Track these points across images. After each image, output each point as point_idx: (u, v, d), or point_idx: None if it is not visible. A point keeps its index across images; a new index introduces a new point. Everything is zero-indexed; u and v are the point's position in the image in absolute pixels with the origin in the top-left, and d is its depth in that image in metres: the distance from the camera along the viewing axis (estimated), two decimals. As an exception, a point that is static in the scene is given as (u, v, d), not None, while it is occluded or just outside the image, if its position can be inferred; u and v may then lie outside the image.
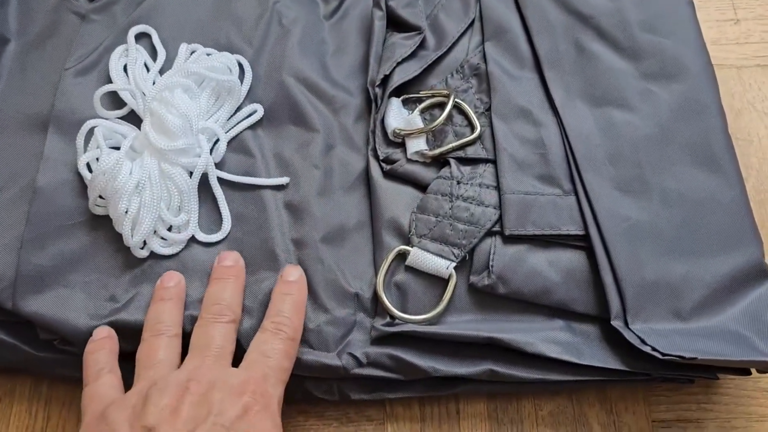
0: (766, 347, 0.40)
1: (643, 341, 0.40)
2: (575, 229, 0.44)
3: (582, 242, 0.44)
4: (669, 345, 0.39)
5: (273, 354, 0.39)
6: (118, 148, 0.44)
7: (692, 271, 0.43)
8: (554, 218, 0.44)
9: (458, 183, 0.45)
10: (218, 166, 0.46)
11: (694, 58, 0.49)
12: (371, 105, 0.49)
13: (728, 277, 0.43)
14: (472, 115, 0.48)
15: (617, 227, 0.43)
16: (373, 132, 0.48)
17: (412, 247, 0.44)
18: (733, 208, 0.44)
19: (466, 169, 0.46)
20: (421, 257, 0.44)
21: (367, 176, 0.47)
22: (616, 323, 0.41)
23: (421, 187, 0.46)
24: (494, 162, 0.46)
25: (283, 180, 0.46)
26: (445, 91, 0.48)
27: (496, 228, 0.44)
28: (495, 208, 0.44)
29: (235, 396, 0.36)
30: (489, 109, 0.48)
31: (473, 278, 0.43)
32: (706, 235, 0.44)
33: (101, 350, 0.40)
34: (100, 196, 0.43)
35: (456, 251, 0.44)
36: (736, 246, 0.43)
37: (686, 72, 0.48)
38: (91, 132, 0.45)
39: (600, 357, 0.41)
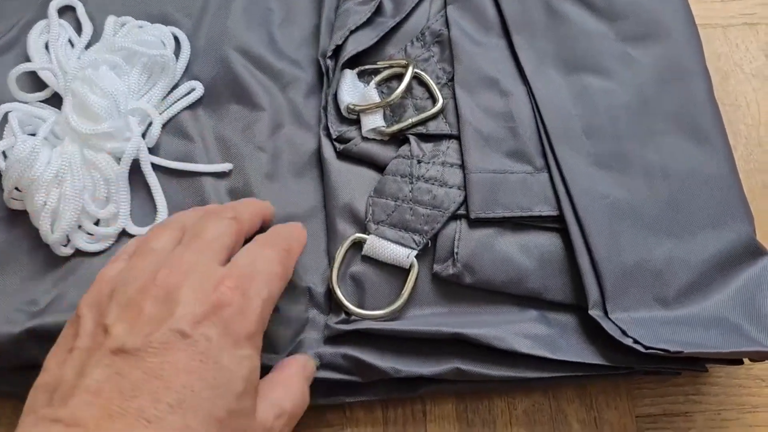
0: (759, 335, 0.36)
1: (624, 333, 0.36)
2: (549, 210, 0.40)
3: (556, 224, 0.40)
4: (652, 336, 0.35)
5: (261, 257, 0.32)
6: (37, 135, 0.39)
7: (677, 253, 0.39)
8: (525, 198, 0.40)
9: (419, 162, 0.41)
10: (152, 151, 0.41)
11: (675, 17, 0.45)
12: (323, 79, 0.44)
13: (716, 257, 0.39)
14: (434, 86, 0.43)
15: (594, 206, 0.39)
16: (325, 108, 0.43)
17: (368, 234, 0.40)
18: (720, 182, 0.40)
19: (428, 147, 0.42)
20: (379, 246, 0.39)
21: (319, 158, 0.43)
22: (595, 313, 0.37)
23: (379, 167, 0.42)
24: (459, 138, 0.42)
25: (226, 166, 0.42)
26: (404, 61, 0.44)
27: (462, 211, 0.40)
28: (460, 188, 0.40)
29: (207, 291, 0.29)
30: (452, 80, 0.43)
31: (437, 267, 0.39)
32: (692, 212, 0.40)
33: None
34: (17, 188, 0.38)
35: (417, 238, 0.39)
36: (725, 223, 0.40)
37: (667, 33, 0.44)
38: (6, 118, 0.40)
39: (577, 351, 0.37)
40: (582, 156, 0.41)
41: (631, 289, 0.38)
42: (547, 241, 0.39)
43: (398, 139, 0.43)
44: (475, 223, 0.39)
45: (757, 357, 0.37)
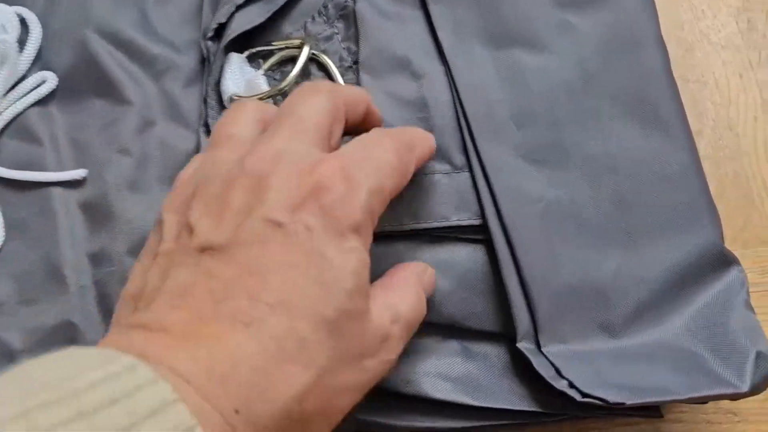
0: (725, 371, 0.29)
1: (558, 372, 0.29)
2: (469, 218, 0.32)
3: (480, 235, 0.32)
4: (592, 377, 0.28)
5: (373, 143, 0.27)
6: None
7: (627, 267, 0.32)
8: (441, 205, 0.32)
9: (313, 163, 0.34)
10: (-13, 158, 0.34)
11: None
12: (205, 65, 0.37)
13: (675, 271, 0.32)
14: (334, 69, 0.36)
15: (525, 212, 0.32)
16: (206, 101, 0.36)
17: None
18: (680, 176, 0.33)
19: (326, 144, 0.34)
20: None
21: (197, 160, 0.35)
22: (524, 346, 0.30)
23: (270, 170, 0.35)
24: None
25: (78, 173, 0.34)
26: (298, 41, 0.36)
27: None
28: (363, 194, 0.33)
29: (303, 174, 0.24)
30: (357, 62, 0.36)
31: None
32: (645, 216, 0.32)
33: None
34: None
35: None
36: (686, 227, 0.32)
37: None
38: None
39: (505, 395, 0.30)
40: (510, 149, 0.33)
41: (569, 314, 0.31)
42: (467, 257, 0.32)
43: (292, 135, 0.35)
44: (381, 236, 0.32)
45: (725, 399, 0.30)
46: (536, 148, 0.34)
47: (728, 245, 0.33)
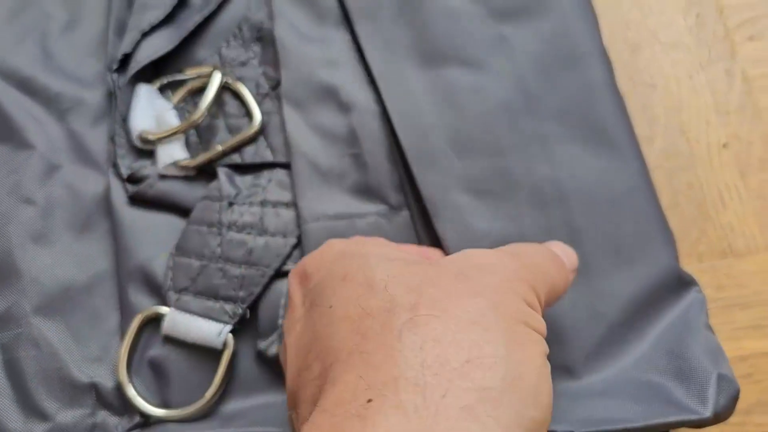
0: (685, 396, 0.27)
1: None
2: (410, 260, 0.30)
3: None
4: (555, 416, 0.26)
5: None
6: None
7: (582, 303, 0.29)
8: None
9: (230, 205, 0.31)
10: None
11: None
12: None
13: (633, 301, 0.30)
14: (249, 98, 0.33)
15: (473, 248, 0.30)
16: (113, 139, 0.33)
17: (169, 307, 0.30)
18: (632, 198, 0.31)
19: (245, 181, 0.32)
20: (182, 322, 0.30)
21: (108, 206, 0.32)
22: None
23: (187, 213, 0.32)
24: (284, 165, 0.32)
25: (-26, 229, 0.31)
26: (208, 68, 0.34)
27: (291, 266, 0.30)
28: (285, 236, 0.31)
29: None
30: (277, 87, 0.33)
31: (260, 344, 0.30)
32: (598, 245, 0.30)
33: None
34: None
35: (230, 308, 0.30)
36: (641, 253, 0.30)
37: (551, 4, 0.34)
38: None
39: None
40: (451, 181, 0.31)
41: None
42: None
43: (209, 173, 0.33)
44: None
45: (690, 426, 0.28)
46: (479, 179, 0.31)
47: (683, 260, 0.31)
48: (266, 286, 0.30)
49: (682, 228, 0.35)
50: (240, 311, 0.30)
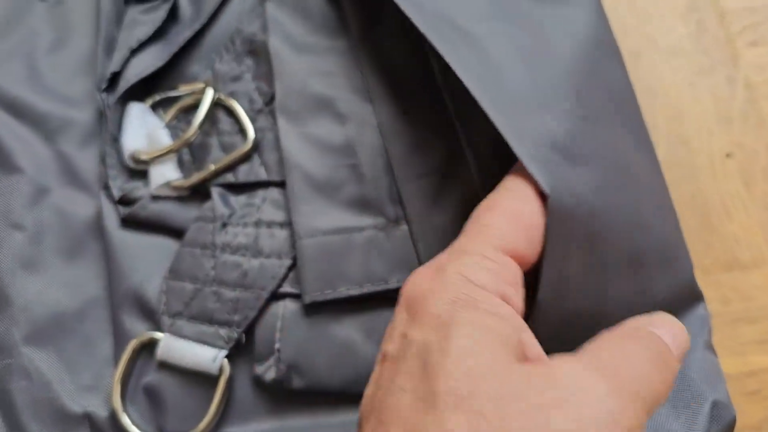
0: (674, 422, 0.26)
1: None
2: (408, 278, 0.29)
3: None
4: None
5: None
6: None
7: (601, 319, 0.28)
8: (379, 265, 0.29)
9: (224, 226, 0.30)
10: None
11: None
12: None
13: (664, 306, 0.28)
14: (242, 114, 0.32)
15: None
16: (104, 160, 0.32)
17: (163, 332, 0.29)
18: (660, 211, 0.30)
19: (239, 201, 0.31)
20: (177, 347, 0.29)
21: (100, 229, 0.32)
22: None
23: (180, 235, 0.31)
24: (279, 184, 0.31)
25: (-37, 256, 0.31)
26: (200, 85, 0.33)
27: (288, 288, 0.29)
28: (280, 257, 0.30)
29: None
30: (271, 102, 0.33)
31: (258, 369, 0.29)
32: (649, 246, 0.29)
33: None
34: None
35: (225, 332, 0.29)
36: (671, 259, 0.29)
37: None
38: None
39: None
40: (446, 194, 0.30)
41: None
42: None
43: (203, 193, 0.32)
44: (310, 305, 0.29)
45: None
46: None
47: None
48: (262, 310, 0.29)
49: (686, 240, 0.34)
50: (235, 336, 0.29)
